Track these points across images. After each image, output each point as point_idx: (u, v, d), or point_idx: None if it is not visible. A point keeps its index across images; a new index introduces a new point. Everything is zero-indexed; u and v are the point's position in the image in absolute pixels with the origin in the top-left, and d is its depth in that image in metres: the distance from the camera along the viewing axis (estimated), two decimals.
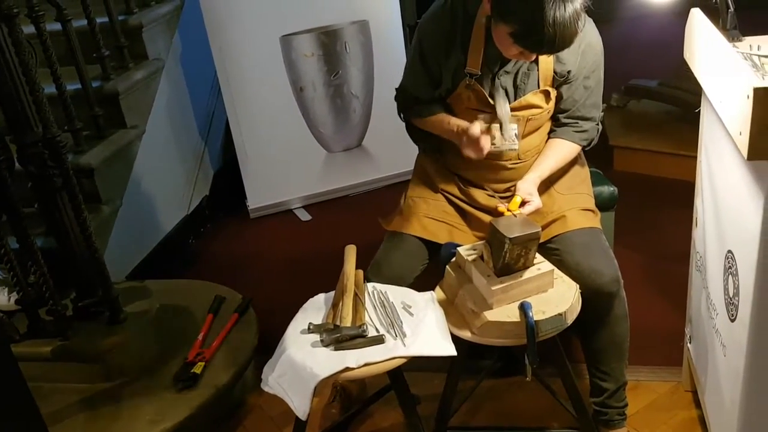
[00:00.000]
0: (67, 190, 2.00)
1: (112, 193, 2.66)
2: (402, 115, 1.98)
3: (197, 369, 2.09)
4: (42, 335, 2.09)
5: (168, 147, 3.13)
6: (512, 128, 1.73)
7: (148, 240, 2.97)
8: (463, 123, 1.80)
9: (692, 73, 1.73)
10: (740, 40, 1.57)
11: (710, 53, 1.51)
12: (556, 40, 1.50)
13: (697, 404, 2.01)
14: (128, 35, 2.83)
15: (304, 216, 3.38)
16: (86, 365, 2.08)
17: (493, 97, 1.76)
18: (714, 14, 1.64)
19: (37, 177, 1.97)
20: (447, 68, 1.80)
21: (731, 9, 1.62)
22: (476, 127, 1.72)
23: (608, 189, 2.11)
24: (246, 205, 3.39)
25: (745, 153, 1.21)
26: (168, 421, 1.95)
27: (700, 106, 1.83)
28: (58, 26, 2.48)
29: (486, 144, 1.73)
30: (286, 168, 3.38)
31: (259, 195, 3.39)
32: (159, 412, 1.98)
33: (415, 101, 1.91)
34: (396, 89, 1.98)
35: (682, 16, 2.12)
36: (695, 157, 1.90)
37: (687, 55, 1.72)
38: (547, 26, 1.47)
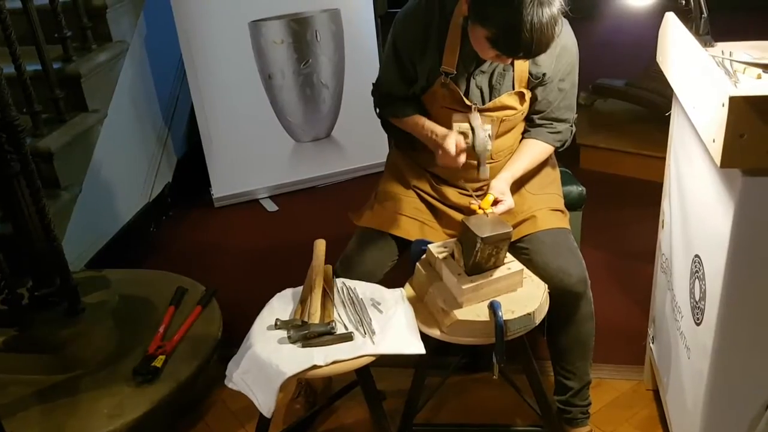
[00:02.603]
0: (25, 175, 1.93)
1: (72, 179, 2.57)
2: (378, 111, 1.96)
3: (158, 362, 2.04)
4: None
5: (130, 132, 3.05)
6: (486, 129, 1.72)
7: (108, 228, 2.89)
8: (438, 129, 1.78)
9: (659, 74, 1.74)
10: (712, 46, 1.59)
11: (684, 58, 1.52)
12: (533, 46, 1.49)
13: (658, 403, 2.05)
14: (92, 16, 2.74)
15: (271, 206, 3.34)
16: (42, 356, 2.02)
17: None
18: (687, 18, 1.65)
19: None
20: (422, 66, 1.78)
21: (705, 14, 1.63)
22: (451, 144, 1.70)
23: (577, 189, 2.12)
24: (210, 194, 3.32)
25: (718, 160, 1.22)
26: (127, 416, 1.90)
27: (666, 107, 1.85)
28: (18, 4, 2.38)
29: (461, 160, 1.73)
30: (252, 157, 3.32)
31: (224, 183, 3.32)
32: (118, 406, 1.93)
33: (390, 98, 1.89)
34: (373, 84, 1.95)
35: (650, 18, 2.13)
36: (660, 158, 1.92)
37: (660, 59, 1.73)
38: (524, 32, 1.46)
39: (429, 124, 1.81)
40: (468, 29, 1.61)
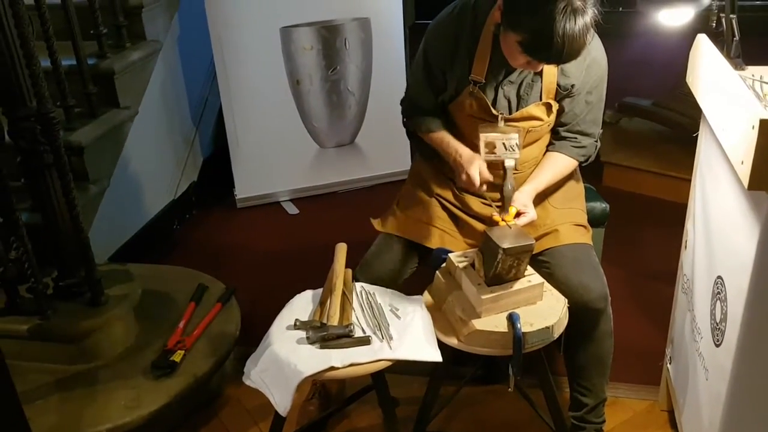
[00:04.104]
0: (57, 167, 1.96)
1: (101, 173, 2.62)
2: (404, 120, 1.98)
3: (176, 357, 2.07)
4: (20, 312, 2.06)
5: (159, 130, 3.10)
6: (513, 137, 1.73)
7: (133, 223, 2.93)
8: (463, 151, 1.80)
9: (686, 95, 1.74)
10: (743, 69, 1.59)
11: (715, 80, 1.53)
12: (564, 51, 1.50)
13: (673, 424, 2.03)
14: (128, 14, 2.79)
15: (292, 209, 3.37)
16: (64, 346, 2.05)
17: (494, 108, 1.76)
18: (718, 41, 1.65)
19: (27, 152, 1.94)
20: (451, 75, 1.80)
21: (736, 37, 1.63)
22: (476, 174, 1.73)
23: (600, 205, 2.13)
24: (234, 195, 3.36)
25: (746, 182, 1.22)
26: (144, 408, 1.93)
27: (692, 128, 1.85)
28: (57, 0, 2.44)
29: (484, 189, 1.76)
30: (276, 160, 3.36)
31: (247, 185, 3.36)
32: (135, 398, 1.96)
33: (418, 109, 1.91)
34: (404, 93, 1.98)
35: (679, 39, 2.13)
36: (683, 179, 1.91)
37: (690, 80, 1.73)
38: (556, 37, 1.47)
39: (454, 144, 1.83)
40: (500, 37, 1.63)
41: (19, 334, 2.02)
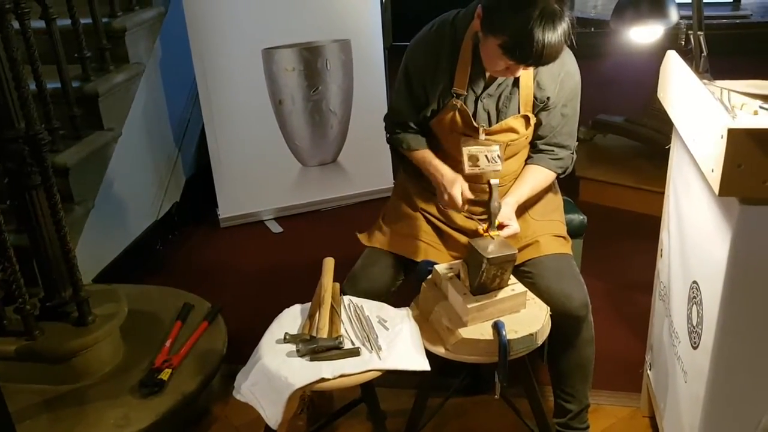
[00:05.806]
0: (45, 188, 1.98)
1: (85, 194, 2.63)
2: (388, 137, 2.03)
3: (164, 375, 2.08)
4: (7, 333, 2.06)
5: (142, 151, 3.12)
6: (495, 149, 1.78)
7: (116, 244, 2.94)
8: (445, 171, 1.85)
9: (657, 112, 1.81)
10: (711, 82, 1.66)
11: (685, 93, 1.60)
12: (544, 51, 1.56)
13: (655, 430, 2.08)
14: (111, 38, 2.82)
15: (275, 228, 3.39)
16: (51, 366, 2.05)
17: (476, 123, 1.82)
18: (687, 58, 1.74)
19: (15, 173, 1.95)
20: (432, 91, 1.85)
21: (704, 53, 1.72)
22: (458, 194, 1.78)
23: (578, 217, 2.19)
24: (217, 214, 3.38)
25: (716, 189, 1.29)
26: (133, 426, 1.94)
27: (663, 143, 1.92)
28: (41, 24, 2.46)
29: (465, 208, 1.81)
30: (259, 179, 3.39)
31: (230, 204, 3.39)
32: (124, 416, 1.96)
33: (401, 126, 1.96)
34: (387, 112, 2.03)
35: (648, 58, 2.22)
36: (657, 192, 1.98)
37: (661, 94, 1.81)
38: (536, 36, 1.53)
39: (435, 163, 1.88)
40: (480, 44, 1.69)
41: (6, 356, 2.02)
